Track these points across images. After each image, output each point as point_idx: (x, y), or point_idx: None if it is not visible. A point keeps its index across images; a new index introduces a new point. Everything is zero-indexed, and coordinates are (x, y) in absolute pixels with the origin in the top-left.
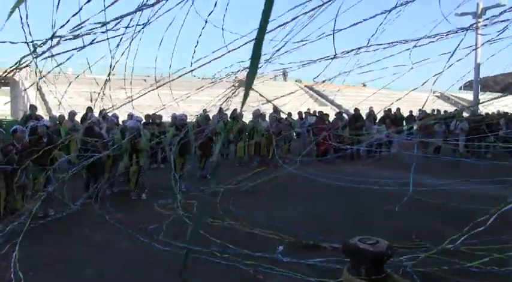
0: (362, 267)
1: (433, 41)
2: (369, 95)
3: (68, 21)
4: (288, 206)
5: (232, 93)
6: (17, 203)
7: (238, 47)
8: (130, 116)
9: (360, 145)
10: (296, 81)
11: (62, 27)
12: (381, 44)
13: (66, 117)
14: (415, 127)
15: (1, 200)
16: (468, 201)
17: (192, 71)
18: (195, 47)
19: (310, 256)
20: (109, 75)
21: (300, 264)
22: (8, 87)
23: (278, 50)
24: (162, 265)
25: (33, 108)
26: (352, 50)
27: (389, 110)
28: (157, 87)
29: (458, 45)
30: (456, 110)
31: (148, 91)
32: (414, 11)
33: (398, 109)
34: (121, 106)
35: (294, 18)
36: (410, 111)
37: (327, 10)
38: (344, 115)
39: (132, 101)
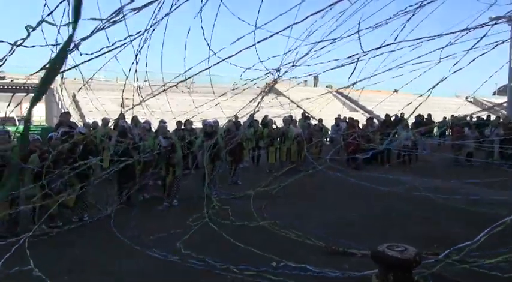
0: (390, 274)
1: (468, 32)
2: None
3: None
4: (317, 211)
5: (261, 98)
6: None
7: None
8: (163, 122)
9: (388, 145)
10: (327, 86)
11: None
12: (408, 40)
13: (99, 123)
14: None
15: (37, 206)
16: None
17: (204, 69)
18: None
19: (339, 262)
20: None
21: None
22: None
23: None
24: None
25: (64, 115)
26: (379, 47)
27: (421, 115)
28: (171, 87)
29: (481, 38)
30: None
31: (162, 89)
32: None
33: (429, 115)
34: (133, 107)
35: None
36: (444, 117)
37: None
38: (375, 121)
39: (144, 101)
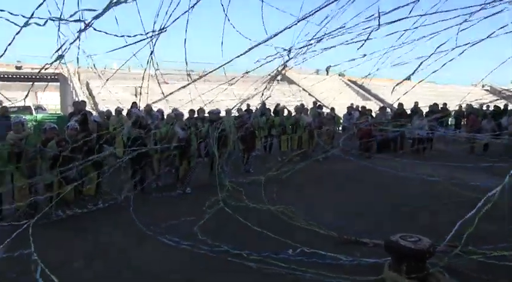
0: (403, 265)
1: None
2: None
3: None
4: (329, 199)
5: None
6: (69, 195)
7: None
8: (175, 110)
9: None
10: (339, 75)
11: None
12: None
13: (113, 112)
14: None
15: (55, 191)
16: None
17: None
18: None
19: (351, 251)
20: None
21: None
22: (58, 83)
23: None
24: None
25: (77, 104)
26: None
27: (436, 104)
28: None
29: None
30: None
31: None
32: None
33: (444, 104)
34: (158, 100)
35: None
36: (460, 106)
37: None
38: (388, 110)
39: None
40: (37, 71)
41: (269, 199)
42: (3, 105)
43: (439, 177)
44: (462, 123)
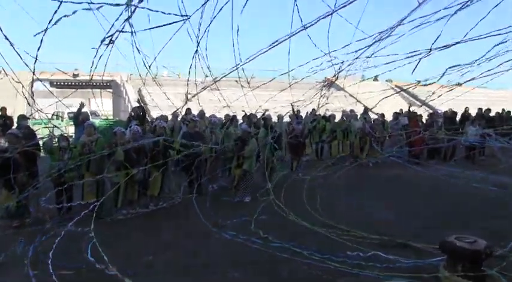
0: (459, 266)
1: None
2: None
3: None
4: (381, 203)
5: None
6: (133, 195)
7: None
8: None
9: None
10: (386, 80)
11: None
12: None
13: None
14: None
15: (121, 191)
16: None
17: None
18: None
19: (403, 255)
20: None
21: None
22: (111, 89)
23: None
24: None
25: (136, 109)
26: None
27: (489, 110)
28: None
29: None
30: None
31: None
32: None
33: (503, 110)
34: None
35: None
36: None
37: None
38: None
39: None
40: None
41: (313, 202)
42: (84, 111)
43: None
44: None
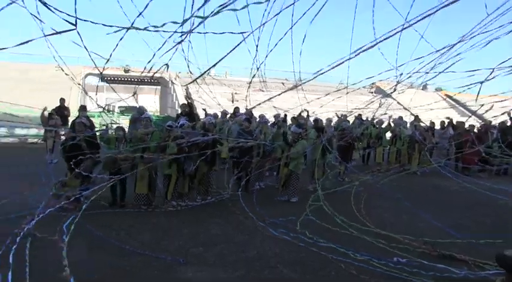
0: None
1: None
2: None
3: None
4: (424, 212)
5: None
6: (183, 188)
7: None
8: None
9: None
10: (436, 89)
11: None
12: None
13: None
14: None
15: (172, 184)
16: None
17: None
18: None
19: (452, 265)
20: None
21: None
22: (159, 87)
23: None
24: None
25: (185, 106)
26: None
27: None
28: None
29: None
30: None
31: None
32: None
33: None
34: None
35: None
36: None
37: None
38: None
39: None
40: (142, 74)
41: (357, 208)
42: (140, 105)
43: None
44: None
